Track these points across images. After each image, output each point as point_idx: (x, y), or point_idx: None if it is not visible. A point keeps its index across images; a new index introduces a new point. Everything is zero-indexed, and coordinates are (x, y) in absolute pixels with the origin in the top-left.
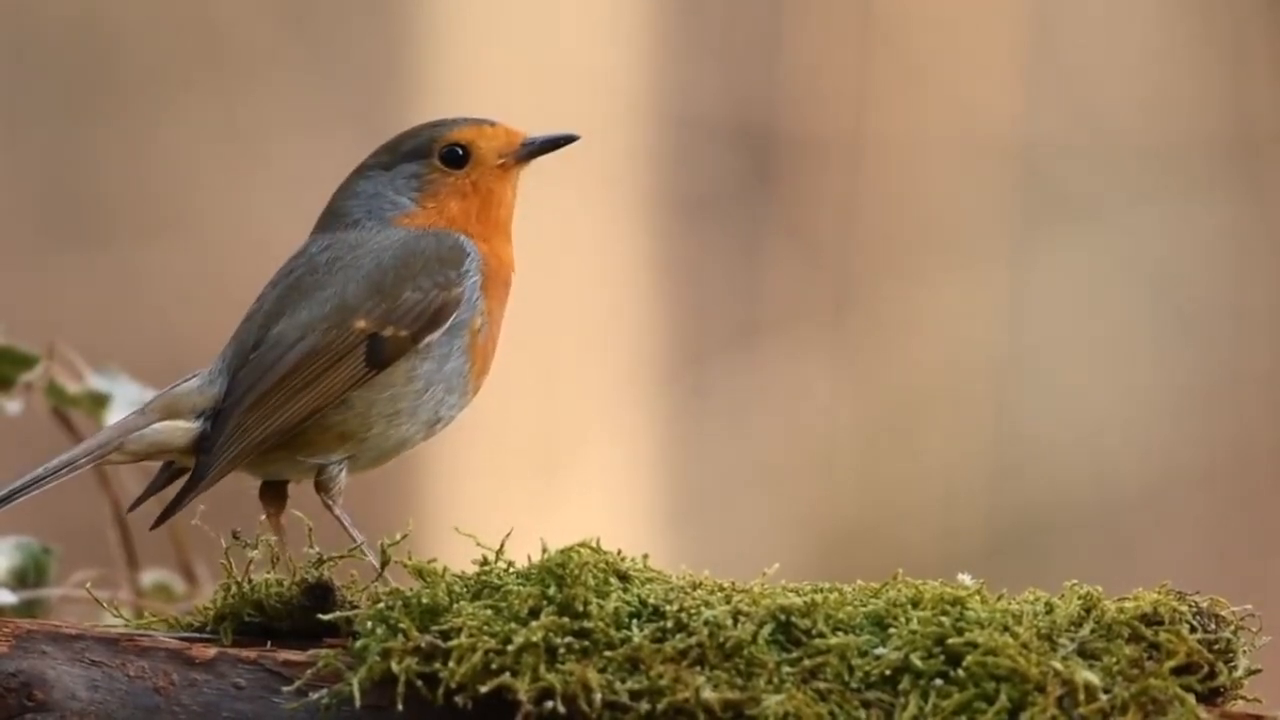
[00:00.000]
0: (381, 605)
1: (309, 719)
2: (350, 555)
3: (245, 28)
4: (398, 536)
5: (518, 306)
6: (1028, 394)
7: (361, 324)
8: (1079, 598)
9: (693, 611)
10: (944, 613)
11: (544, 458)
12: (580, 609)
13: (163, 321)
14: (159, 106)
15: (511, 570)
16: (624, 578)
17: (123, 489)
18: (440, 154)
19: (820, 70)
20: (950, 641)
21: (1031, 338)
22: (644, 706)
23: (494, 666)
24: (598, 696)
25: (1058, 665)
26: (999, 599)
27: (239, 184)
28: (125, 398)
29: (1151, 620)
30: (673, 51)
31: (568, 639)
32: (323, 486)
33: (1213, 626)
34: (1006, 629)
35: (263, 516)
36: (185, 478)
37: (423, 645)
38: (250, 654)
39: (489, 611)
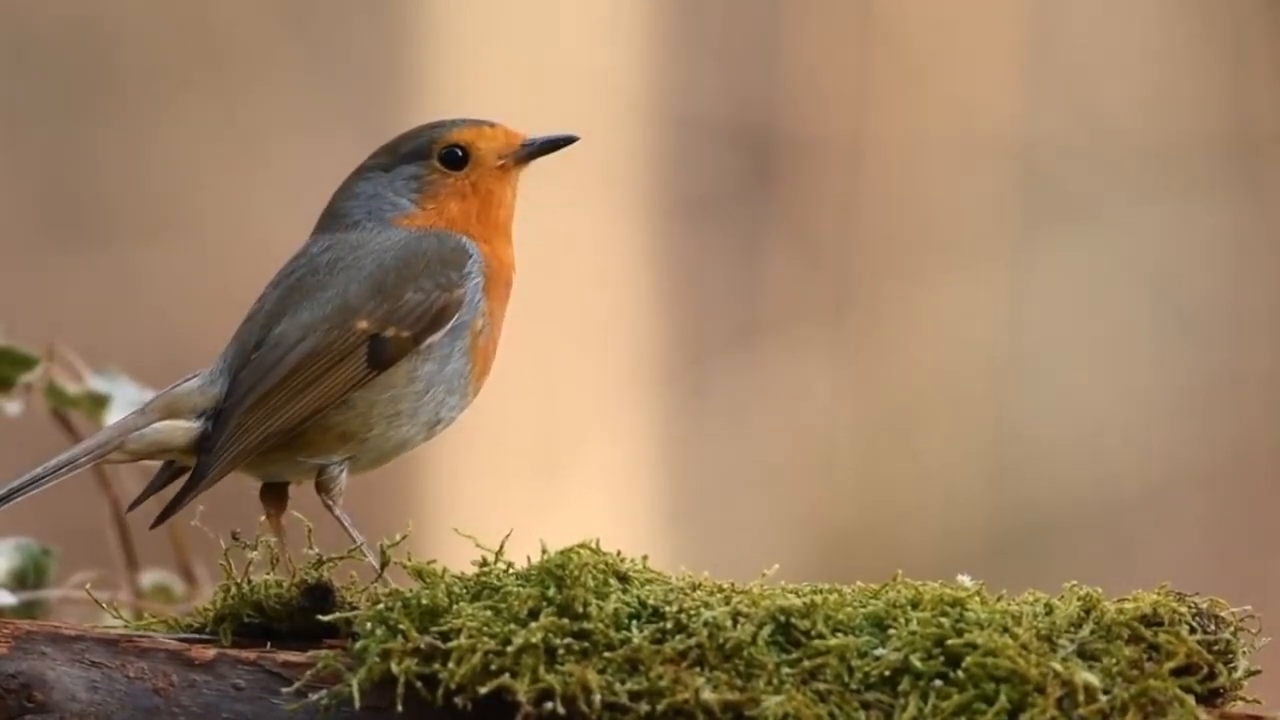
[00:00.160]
0: (381, 606)
1: None
2: (350, 556)
3: (245, 28)
4: (397, 537)
5: (518, 307)
6: (1028, 394)
7: (363, 325)
8: (1078, 599)
9: (692, 613)
10: (943, 614)
11: (544, 458)
12: (580, 610)
13: (163, 321)
14: (159, 106)
15: (511, 571)
16: (624, 579)
17: (122, 490)
18: (440, 155)
19: (820, 70)
20: (950, 642)
21: (1031, 338)
22: (643, 707)
23: (493, 667)
24: (597, 698)
25: (1057, 666)
26: (998, 600)
27: (239, 184)
28: (125, 398)
29: (1151, 621)
30: (673, 51)
31: (567, 640)
32: (323, 487)
33: (1212, 628)
34: (1006, 630)
35: (263, 517)
36: (185, 478)
37: (422, 646)
38: (250, 655)
39: (488, 612)
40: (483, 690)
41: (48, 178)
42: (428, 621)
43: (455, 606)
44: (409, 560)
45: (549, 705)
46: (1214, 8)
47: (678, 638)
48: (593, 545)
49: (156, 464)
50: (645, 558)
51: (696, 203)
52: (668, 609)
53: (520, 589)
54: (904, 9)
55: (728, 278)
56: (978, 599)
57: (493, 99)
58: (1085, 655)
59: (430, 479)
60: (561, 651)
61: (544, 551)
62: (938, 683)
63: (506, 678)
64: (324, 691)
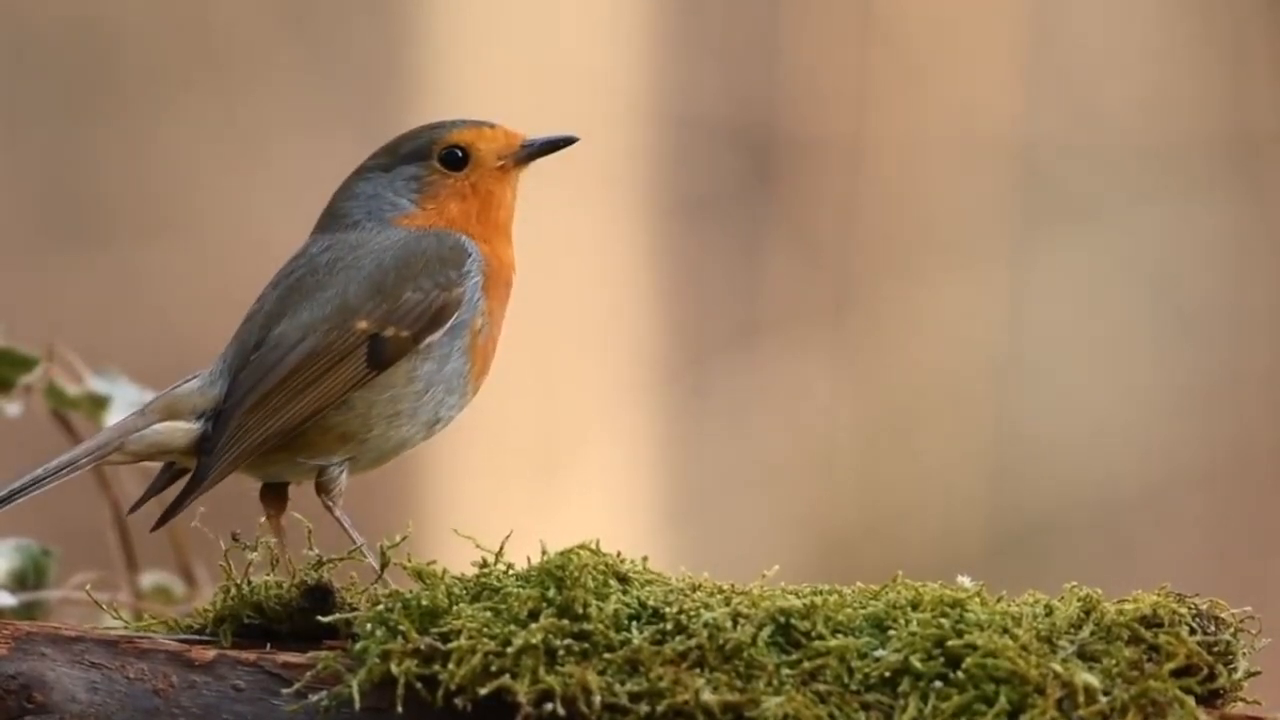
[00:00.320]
0: (381, 607)
1: None
2: (350, 557)
3: (245, 28)
4: (397, 538)
5: (518, 307)
6: (1028, 394)
7: (363, 325)
8: (1078, 599)
9: (692, 613)
10: (943, 615)
11: (544, 458)
12: (580, 611)
13: (163, 322)
14: (159, 106)
15: (511, 572)
16: (624, 580)
17: (122, 491)
18: (440, 156)
19: (820, 70)
20: (950, 643)
21: (1031, 338)
22: (643, 709)
23: (493, 668)
24: (597, 699)
25: (1057, 667)
26: (998, 601)
27: (239, 184)
28: (125, 399)
29: (1151, 622)
30: (673, 51)
31: (567, 641)
32: (323, 488)
33: (1212, 629)
34: (1006, 631)
35: (263, 518)
36: (185, 479)
37: (422, 647)
38: (250, 656)
39: (488, 613)
40: (483, 691)
41: (48, 178)
42: (428, 622)
43: (455, 608)
44: (409, 561)
45: (549, 706)
46: (1214, 8)
47: (678, 639)
48: (593, 546)
49: (157, 465)
50: (645, 558)
51: (696, 203)
52: (668, 610)
53: (520, 590)
54: (904, 9)
55: (728, 278)
56: (978, 600)
57: (493, 99)
58: (1085, 656)
59: (430, 479)
60: (561, 652)
61: (544, 552)
62: (938, 684)
63: (506, 679)
64: (324, 692)
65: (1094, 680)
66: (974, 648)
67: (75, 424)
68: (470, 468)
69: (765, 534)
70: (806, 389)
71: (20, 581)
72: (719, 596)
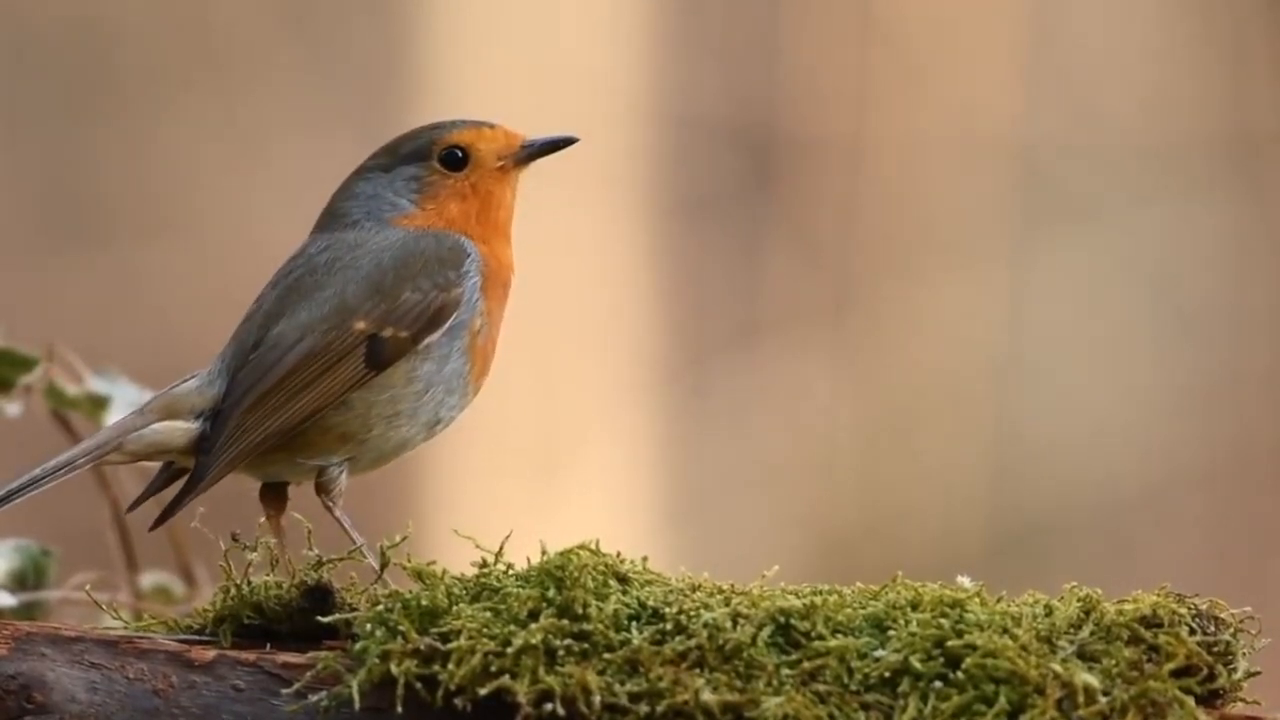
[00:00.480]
0: (381, 607)
1: None
2: (350, 557)
3: (245, 28)
4: (397, 539)
5: (518, 307)
6: (1028, 394)
7: (361, 325)
8: (1078, 600)
9: (692, 614)
10: (943, 615)
11: (544, 458)
12: (580, 611)
13: (163, 321)
14: (159, 106)
15: (511, 572)
16: (623, 580)
17: (122, 491)
18: (439, 156)
19: (820, 70)
20: (950, 644)
21: (1031, 338)
22: (643, 709)
23: (493, 669)
24: (597, 699)
25: (1057, 667)
26: (998, 601)
27: (239, 184)
28: (124, 399)
29: (1151, 622)
30: (673, 51)
31: (567, 641)
32: (323, 488)
33: (1212, 629)
34: (1006, 631)
35: (262, 518)
36: (184, 479)
37: (422, 647)
38: (249, 656)
39: (488, 614)
40: (482, 691)
41: (48, 178)
42: (427, 623)
43: (455, 608)
44: (409, 561)
45: (549, 706)
46: (1214, 8)
47: (677, 639)
48: (592, 546)
49: (155, 465)
50: (645, 559)
51: (696, 203)
52: (667, 610)
53: (520, 590)
54: (904, 9)
55: (728, 278)
56: (977, 600)
57: (493, 99)
58: (1085, 656)
59: (430, 480)
60: (561, 653)
61: (544, 552)
62: (937, 684)
63: (506, 679)
64: (324, 693)
65: (1094, 680)
66: (974, 648)
67: (75, 424)
68: (470, 468)
69: (765, 534)
70: (806, 389)
71: (20, 582)
72: (719, 597)
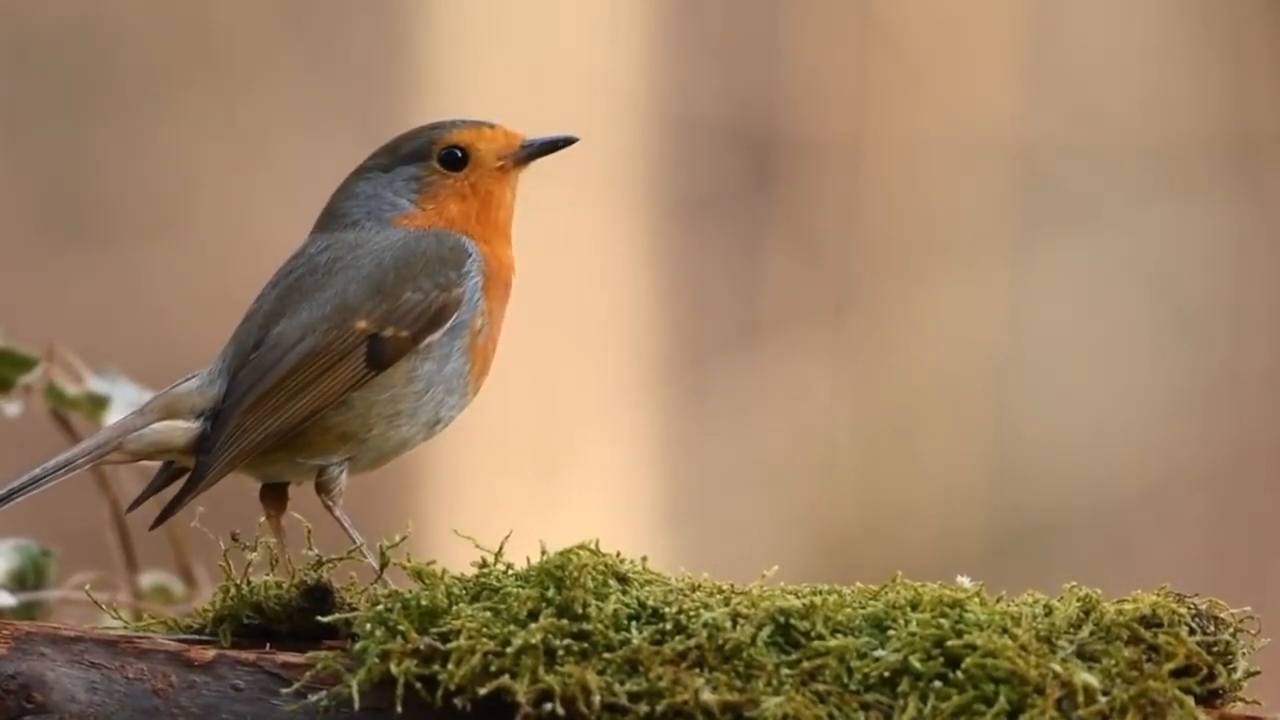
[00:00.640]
0: (380, 607)
1: None
2: (349, 557)
3: (245, 28)
4: (397, 538)
5: (518, 307)
6: (1028, 394)
7: (362, 325)
8: (1078, 599)
9: (692, 613)
10: (943, 615)
11: (544, 458)
12: (579, 611)
13: (163, 322)
14: (159, 106)
15: (510, 572)
16: (623, 580)
17: (122, 491)
18: (439, 156)
19: (820, 71)
20: (949, 643)
21: (1031, 338)
22: (643, 708)
23: (493, 668)
24: (596, 698)
25: (1057, 667)
26: (998, 601)
27: (239, 184)
28: (124, 399)
29: (1150, 622)
30: (673, 51)
31: (567, 641)
32: (323, 488)
33: (1212, 629)
34: (1005, 631)
35: (262, 518)
36: (184, 479)
37: (422, 647)
38: (249, 656)
39: (488, 613)
40: (482, 691)
41: (48, 178)
42: (427, 622)
43: (455, 607)
44: (408, 561)
45: (548, 706)
46: (1214, 8)
47: (677, 639)
48: (592, 546)
49: (155, 465)
50: (645, 558)
51: (696, 203)
52: (667, 610)
53: (520, 590)
54: (904, 9)
55: (728, 278)
56: (977, 600)
57: (493, 99)
58: (1085, 656)
59: (430, 479)
60: (561, 652)
61: (543, 552)
62: (937, 684)
63: (506, 679)
64: (323, 692)
65: (1093, 680)
66: (973, 648)
67: (75, 424)
68: (470, 468)
69: (765, 534)
70: (806, 389)
71: (20, 581)
72: (718, 596)
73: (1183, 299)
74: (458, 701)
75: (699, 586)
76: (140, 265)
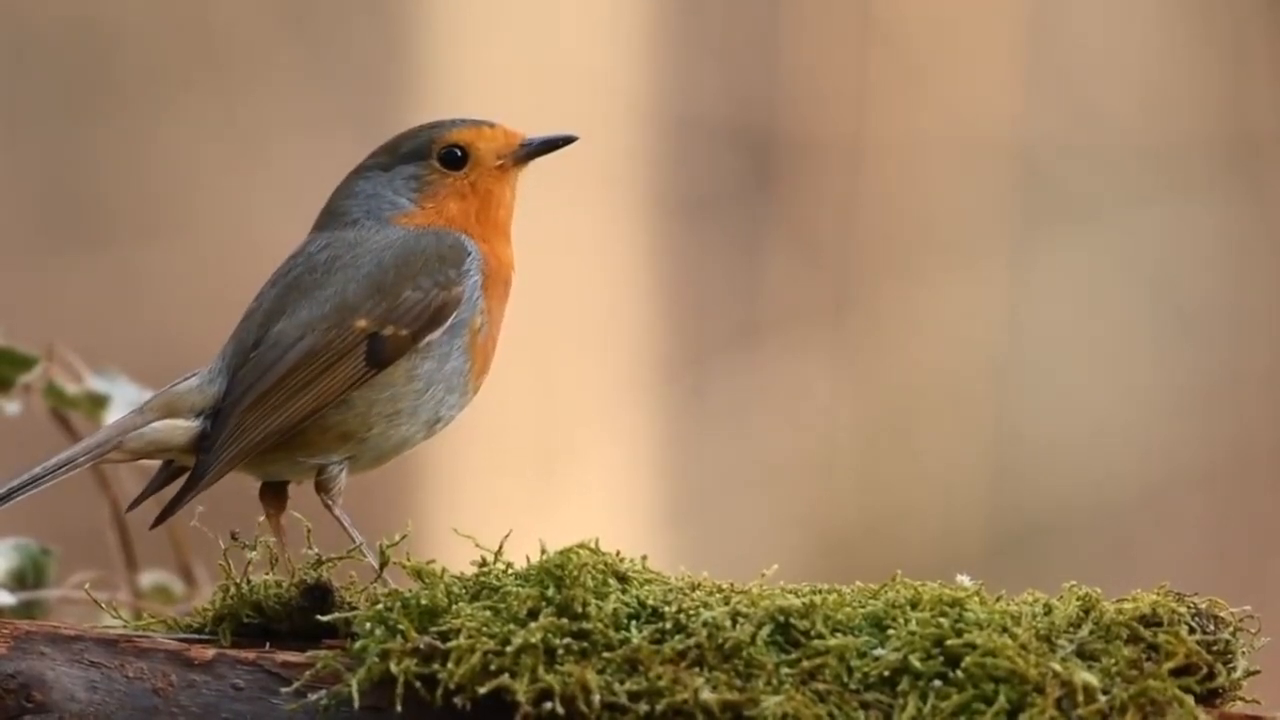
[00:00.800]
0: (380, 606)
1: None
2: (349, 556)
3: (245, 28)
4: (397, 537)
5: (518, 306)
6: (1028, 394)
7: (362, 323)
8: (1078, 599)
9: (691, 613)
10: (943, 614)
11: (544, 458)
12: (579, 610)
13: (162, 321)
14: (159, 106)
15: (510, 571)
16: (623, 579)
17: (122, 490)
18: (439, 155)
19: (820, 71)
20: (949, 643)
21: (1031, 338)
22: (643, 708)
23: (493, 668)
24: (596, 698)
25: (1056, 666)
26: (998, 600)
27: (239, 184)
28: (124, 399)
29: (1150, 621)
30: (673, 51)
31: (566, 640)
32: (323, 487)
33: (1211, 628)
34: (1005, 630)
35: (262, 517)
36: (184, 478)
37: (421, 646)
38: (249, 655)
39: (488, 613)
40: (482, 690)
41: (48, 178)
42: (427, 621)
43: (454, 606)
44: (408, 560)
45: (548, 705)
46: (1214, 8)
47: (677, 638)
48: (592, 545)
49: (155, 464)
50: (644, 558)
51: (696, 203)
52: (667, 609)
53: (519, 589)
54: (904, 9)
55: (728, 278)
56: (977, 599)
57: (493, 99)
58: (1084, 655)
59: (430, 479)
60: (561, 651)
61: (543, 551)
62: (937, 683)
63: (506, 678)
64: (323, 691)
65: (1093, 679)
66: (973, 647)
67: (75, 423)
68: (470, 468)
69: (765, 534)
70: (806, 389)
71: (19, 581)
72: (718, 596)
73: (1183, 299)
74: (457, 700)
75: (699, 586)
76: (140, 265)
